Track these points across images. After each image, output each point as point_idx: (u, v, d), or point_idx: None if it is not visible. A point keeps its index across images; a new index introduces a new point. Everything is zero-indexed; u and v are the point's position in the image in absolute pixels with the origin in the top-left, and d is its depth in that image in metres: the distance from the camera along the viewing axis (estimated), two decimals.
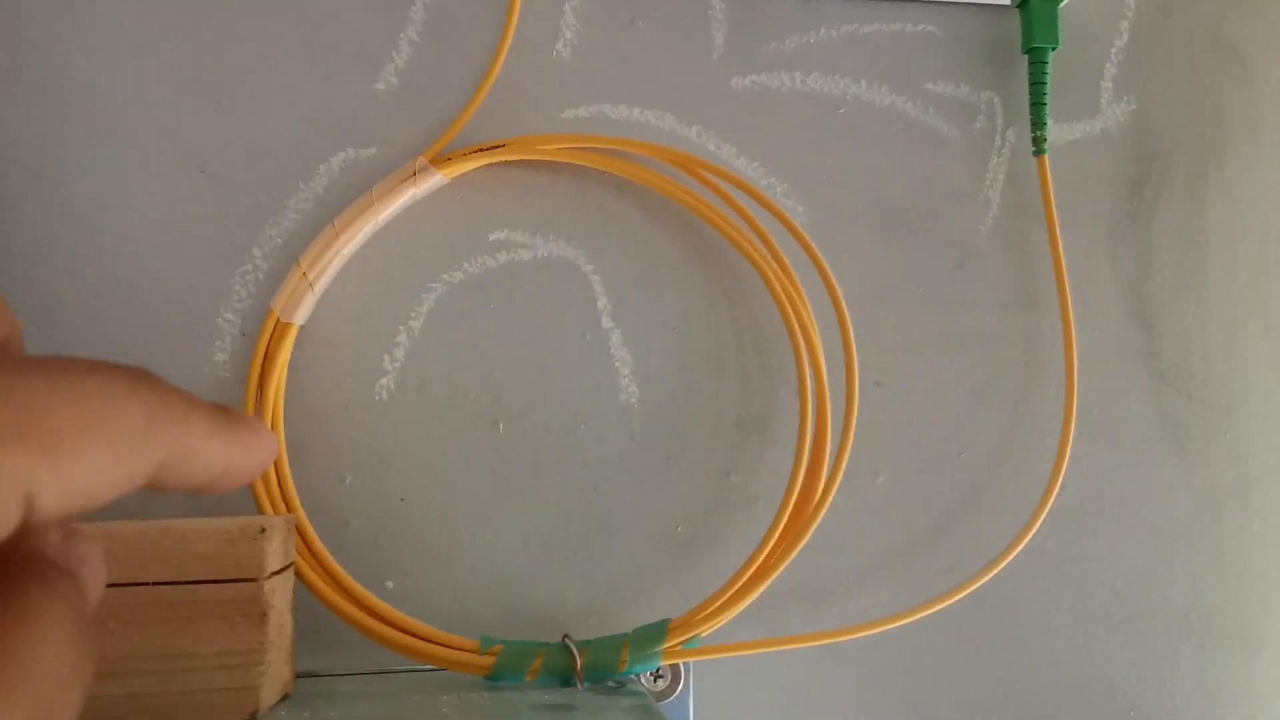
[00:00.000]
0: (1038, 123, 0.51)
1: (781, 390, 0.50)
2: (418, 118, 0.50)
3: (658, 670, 0.47)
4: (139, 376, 0.18)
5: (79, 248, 0.48)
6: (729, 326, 0.51)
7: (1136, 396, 0.52)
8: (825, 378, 0.47)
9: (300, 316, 0.47)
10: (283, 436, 0.47)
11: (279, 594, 0.39)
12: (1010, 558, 0.48)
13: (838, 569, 0.50)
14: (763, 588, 0.45)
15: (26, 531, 0.18)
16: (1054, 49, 0.51)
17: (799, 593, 0.50)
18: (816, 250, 0.49)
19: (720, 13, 0.52)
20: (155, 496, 0.46)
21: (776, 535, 0.45)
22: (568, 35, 0.51)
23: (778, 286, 0.48)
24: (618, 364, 0.50)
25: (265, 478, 0.46)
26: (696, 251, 0.51)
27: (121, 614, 0.36)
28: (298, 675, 0.44)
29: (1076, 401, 0.50)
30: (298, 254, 0.48)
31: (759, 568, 0.45)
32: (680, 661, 0.46)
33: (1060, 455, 0.49)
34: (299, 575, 0.44)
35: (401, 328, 0.49)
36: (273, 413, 0.47)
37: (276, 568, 0.39)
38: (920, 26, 0.53)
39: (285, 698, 0.41)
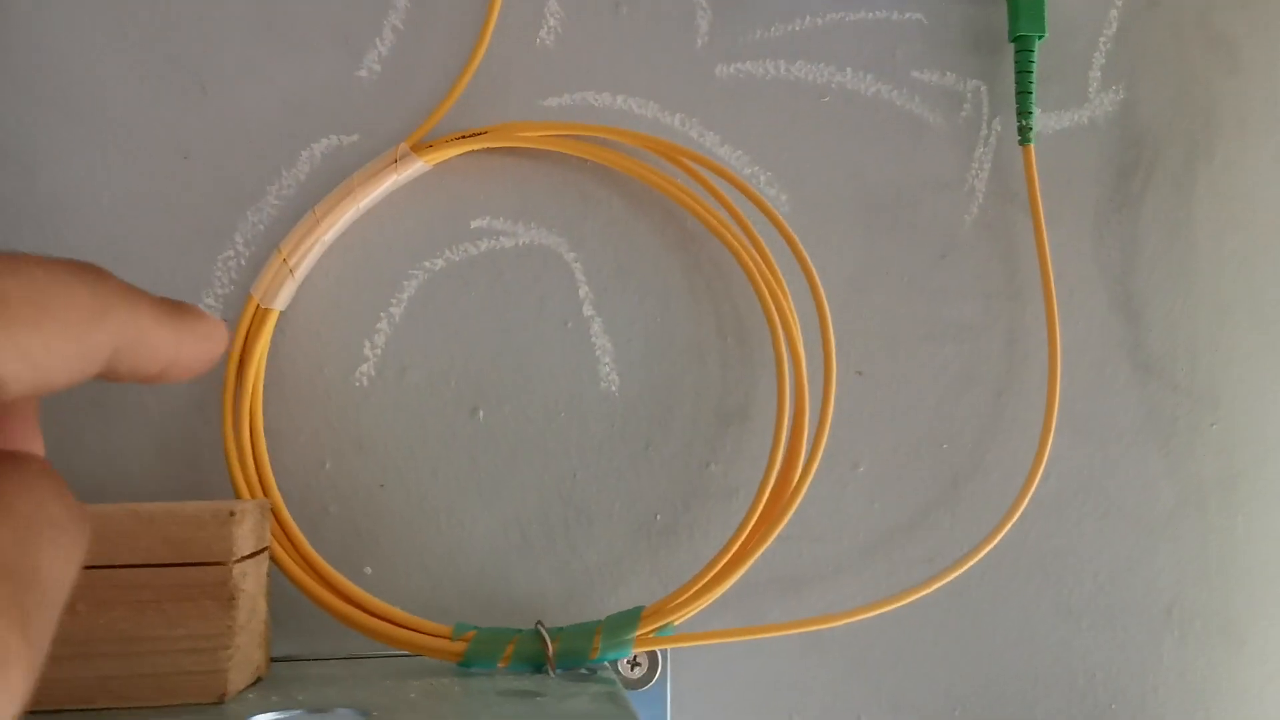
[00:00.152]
0: (1024, 112, 0.51)
1: (762, 380, 0.50)
2: (400, 105, 0.50)
3: (634, 659, 0.47)
4: (85, 267, 0.19)
5: (57, 231, 0.48)
6: (710, 316, 0.50)
7: (1121, 388, 0.52)
8: (804, 367, 0.47)
9: (280, 302, 0.48)
10: (262, 422, 0.47)
11: (250, 578, 0.39)
12: (988, 549, 0.47)
13: (817, 559, 0.50)
14: (737, 576, 0.45)
15: None
16: (1040, 38, 0.51)
17: (778, 582, 0.50)
18: (797, 240, 0.49)
19: (705, 0, 0.52)
20: (132, 468, 0.47)
21: (752, 523, 0.45)
22: (551, 23, 0.51)
23: (758, 276, 0.48)
24: (598, 352, 0.50)
25: (243, 462, 0.46)
26: (678, 240, 0.51)
27: (89, 596, 0.37)
28: (274, 660, 0.44)
29: (1059, 392, 0.49)
30: (280, 240, 0.48)
31: (734, 556, 0.45)
32: (656, 649, 0.46)
33: (1042, 446, 0.49)
34: (274, 560, 0.45)
35: (382, 314, 0.49)
36: (251, 398, 0.47)
37: (248, 552, 0.39)
38: (906, 14, 0.53)
39: (258, 681, 0.41)
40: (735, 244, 0.49)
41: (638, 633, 0.43)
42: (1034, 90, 0.51)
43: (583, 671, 0.43)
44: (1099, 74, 0.53)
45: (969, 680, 0.50)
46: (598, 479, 0.49)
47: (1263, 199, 0.53)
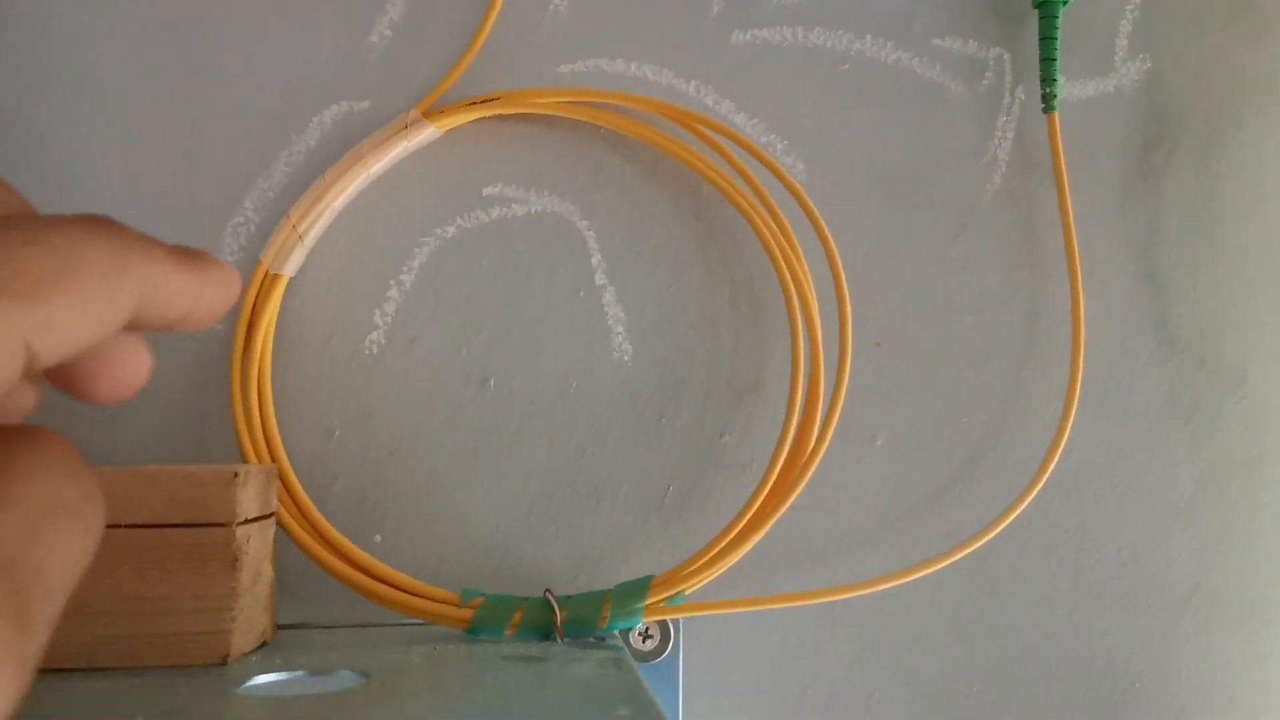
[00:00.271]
0: (1047, 79, 0.50)
1: (777, 351, 0.49)
2: (412, 71, 0.50)
3: (646, 631, 0.46)
4: (97, 222, 0.19)
5: (68, 197, 0.48)
6: (725, 285, 0.50)
7: (1144, 363, 0.51)
8: (819, 336, 0.46)
9: (289, 268, 0.47)
10: (270, 389, 0.47)
11: (255, 541, 0.39)
12: (1005, 524, 0.46)
13: (833, 532, 0.49)
14: (749, 545, 0.44)
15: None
16: (1065, 4, 0.50)
17: (793, 556, 0.49)
18: (814, 209, 0.48)
19: None
20: (139, 435, 0.46)
21: (765, 493, 0.45)
22: None
23: (774, 245, 0.47)
24: (611, 322, 0.49)
25: (251, 429, 0.46)
26: (692, 209, 0.50)
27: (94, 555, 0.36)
28: (281, 627, 0.44)
29: (1082, 367, 0.48)
30: (290, 208, 0.48)
31: (745, 525, 0.44)
32: (667, 619, 0.45)
33: (1063, 422, 0.48)
34: (282, 526, 0.44)
35: (392, 282, 0.49)
36: (260, 365, 0.46)
37: (252, 515, 0.39)
38: None
39: (263, 646, 0.40)
40: (751, 212, 0.48)
41: (647, 602, 0.43)
42: (1058, 57, 0.50)
43: (591, 640, 0.42)
44: (1125, 42, 0.52)
45: (986, 658, 0.49)
46: (609, 450, 0.49)
47: None
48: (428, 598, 0.43)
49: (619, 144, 0.50)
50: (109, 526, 0.36)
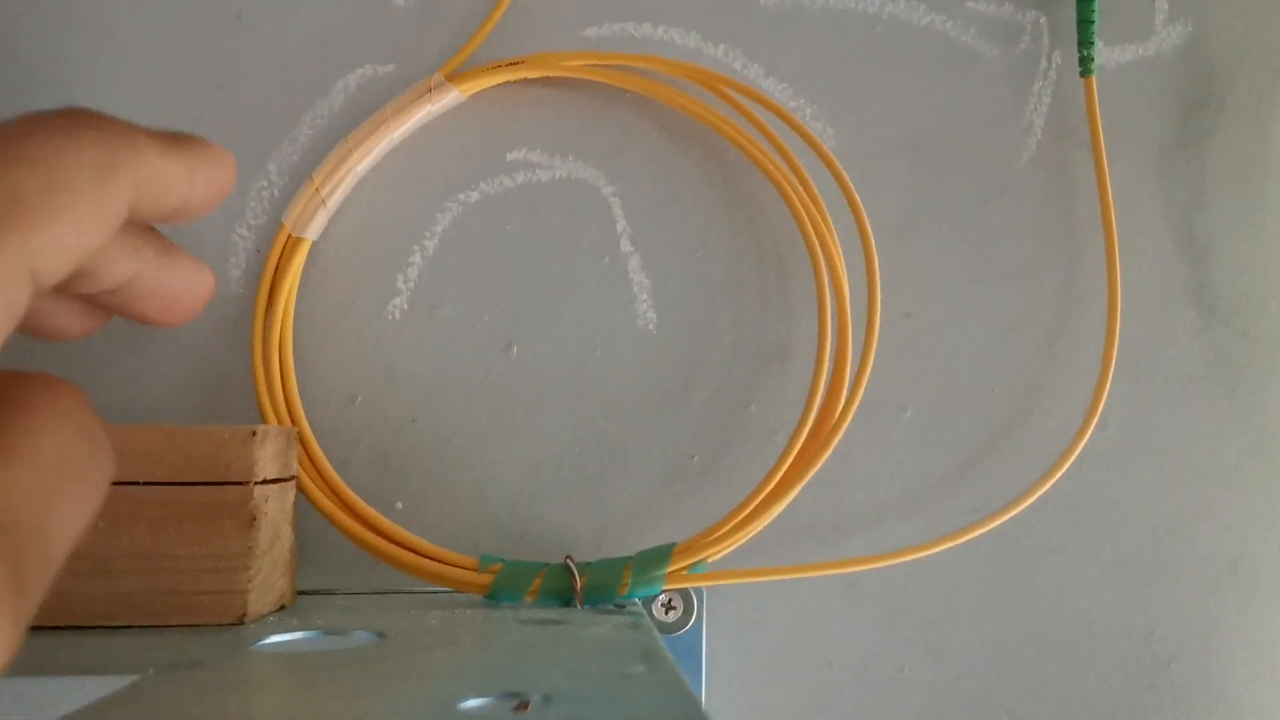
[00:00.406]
0: (1085, 42, 0.48)
1: (804, 319, 0.48)
2: (436, 34, 0.49)
3: (669, 601, 0.45)
4: (77, 120, 0.19)
5: None
6: (752, 252, 0.49)
7: (1184, 332, 0.49)
8: (848, 304, 0.45)
9: (312, 232, 0.47)
10: (292, 354, 0.47)
11: (273, 502, 0.39)
12: (1036, 496, 0.45)
13: (860, 504, 0.48)
14: (772, 514, 0.43)
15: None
16: None
17: (819, 528, 0.48)
18: (844, 174, 0.47)
19: None
20: (161, 397, 0.46)
21: (789, 462, 0.44)
22: None
23: (802, 212, 0.46)
24: (636, 289, 0.49)
25: (272, 393, 0.45)
26: (719, 174, 0.49)
27: (110, 512, 0.36)
28: (302, 593, 0.44)
29: (1119, 337, 0.47)
30: (313, 171, 0.47)
31: (769, 494, 0.43)
32: (689, 589, 0.45)
33: (1099, 393, 0.47)
34: (303, 491, 0.44)
35: (415, 247, 0.48)
36: (281, 329, 0.46)
37: (270, 476, 0.39)
38: None
39: (281, 609, 0.40)
40: (779, 178, 0.47)
41: (669, 569, 0.42)
42: (1096, 20, 0.48)
43: (611, 607, 0.41)
44: (1166, 5, 0.51)
45: (1018, 632, 0.48)
46: (633, 418, 0.48)
47: None
48: (448, 563, 0.43)
49: (645, 108, 0.49)
50: (128, 483, 0.37)
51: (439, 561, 0.43)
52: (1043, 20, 0.51)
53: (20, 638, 0.16)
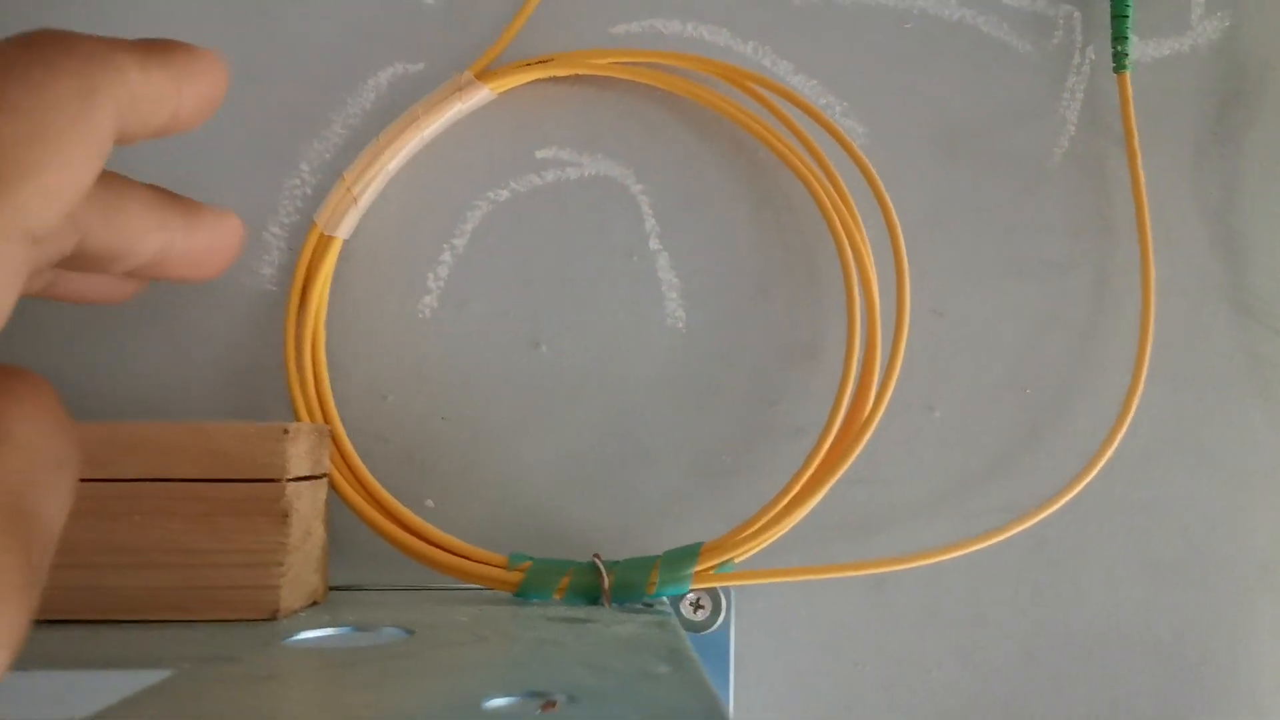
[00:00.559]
0: (1119, 36, 0.48)
1: (833, 317, 0.48)
2: (466, 32, 0.49)
3: (697, 600, 0.46)
4: (49, 46, 0.18)
5: (122, 158, 0.48)
6: (780, 250, 0.49)
7: (1219, 332, 0.49)
8: (876, 302, 0.45)
9: (344, 230, 0.47)
10: (324, 352, 0.47)
11: (305, 499, 0.39)
12: (1069, 497, 0.45)
13: (889, 504, 0.48)
14: (801, 514, 0.43)
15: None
16: None
17: (847, 528, 0.48)
18: (874, 172, 0.47)
19: None
20: (194, 394, 0.47)
21: (818, 461, 0.44)
22: None
23: (831, 209, 0.46)
24: (664, 287, 0.49)
25: (304, 391, 0.46)
26: (748, 171, 0.49)
27: (145, 507, 0.37)
28: (333, 588, 0.44)
29: (1152, 336, 0.47)
30: (345, 169, 0.48)
31: (798, 493, 0.43)
32: (716, 587, 0.45)
33: (1132, 393, 0.46)
34: (334, 488, 0.44)
35: (445, 245, 0.49)
36: (314, 326, 0.47)
37: (302, 473, 0.39)
38: None
39: (313, 605, 0.41)
40: (808, 175, 0.47)
41: (697, 568, 0.42)
42: (1130, 15, 0.48)
43: (639, 607, 0.42)
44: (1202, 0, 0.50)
45: (1047, 634, 0.48)
46: (660, 416, 0.48)
47: None
48: (477, 561, 0.43)
49: (674, 106, 0.49)
50: (162, 480, 0.37)
51: (468, 559, 0.43)
52: (1076, 15, 0.50)
53: (31, 621, 0.16)
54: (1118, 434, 0.46)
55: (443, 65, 0.49)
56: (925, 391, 0.48)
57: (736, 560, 0.43)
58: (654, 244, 0.49)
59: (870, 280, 0.46)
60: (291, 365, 0.46)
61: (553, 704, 0.25)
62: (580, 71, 0.48)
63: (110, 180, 0.21)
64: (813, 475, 0.44)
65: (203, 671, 0.28)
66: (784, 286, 0.49)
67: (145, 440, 0.37)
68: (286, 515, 0.37)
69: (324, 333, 0.47)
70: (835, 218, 0.46)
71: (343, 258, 0.48)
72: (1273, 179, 0.49)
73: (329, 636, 0.35)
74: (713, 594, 0.46)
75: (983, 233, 0.49)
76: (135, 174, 0.44)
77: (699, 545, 0.43)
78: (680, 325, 0.49)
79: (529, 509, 0.48)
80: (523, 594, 0.42)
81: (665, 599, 0.43)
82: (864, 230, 0.46)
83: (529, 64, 0.48)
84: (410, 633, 0.34)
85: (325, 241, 0.47)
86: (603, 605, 0.41)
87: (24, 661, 0.29)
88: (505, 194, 0.49)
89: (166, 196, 0.23)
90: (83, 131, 0.17)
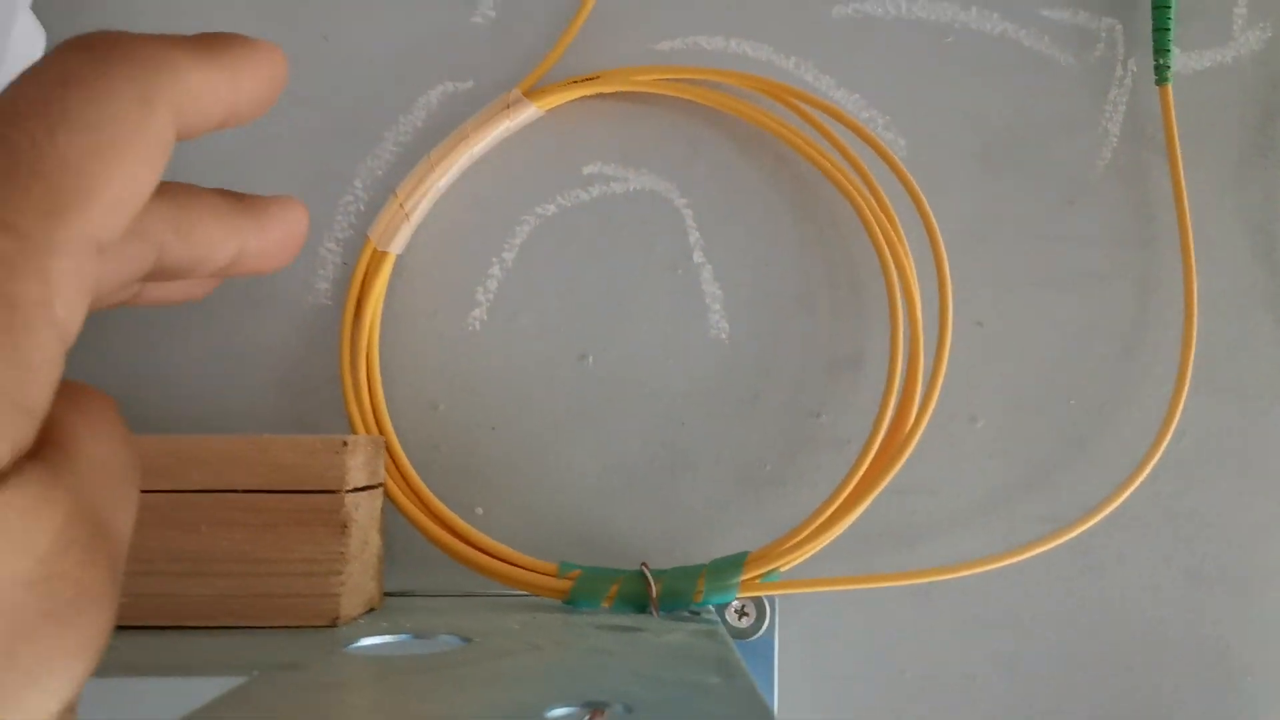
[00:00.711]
0: (1160, 49, 0.48)
1: (875, 329, 0.49)
2: (514, 51, 0.50)
3: (742, 608, 0.46)
4: (107, 52, 0.18)
5: (182, 173, 0.50)
6: (822, 262, 0.50)
7: (1262, 342, 0.49)
8: (919, 314, 0.46)
9: (396, 246, 0.49)
10: (378, 364, 0.49)
11: (363, 509, 0.40)
12: (1112, 507, 0.45)
13: (932, 514, 0.49)
14: (846, 524, 0.44)
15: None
16: None
17: (890, 537, 0.48)
18: (915, 185, 0.47)
19: None
20: (254, 405, 0.48)
21: (862, 472, 0.44)
22: None
23: (873, 222, 0.47)
24: (708, 299, 0.50)
25: (359, 402, 0.47)
26: (791, 185, 0.50)
27: (211, 517, 0.38)
28: (387, 594, 0.46)
29: (1194, 347, 0.47)
30: (397, 186, 0.49)
31: (842, 504, 0.44)
32: (762, 596, 0.46)
33: (1175, 403, 0.46)
34: (388, 496, 0.46)
35: (494, 259, 0.50)
36: (368, 340, 0.48)
37: (360, 484, 0.40)
38: None
39: (370, 611, 0.42)
40: (850, 188, 0.47)
41: (743, 578, 0.43)
42: (1172, 28, 0.48)
43: (685, 615, 0.43)
44: (1244, 10, 0.50)
45: (1090, 643, 0.48)
46: (705, 426, 0.49)
47: None
48: (527, 568, 0.44)
49: (717, 121, 0.50)
50: (226, 491, 0.38)
51: (519, 566, 0.44)
52: (1118, 27, 0.50)
53: (111, 631, 0.16)
54: (1161, 444, 0.46)
55: (491, 83, 0.50)
56: (968, 402, 0.49)
57: (782, 570, 0.44)
58: (698, 257, 0.50)
59: (912, 292, 0.46)
60: (347, 378, 0.47)
61: (601, 712, 0.26)
62: (625, 88, 0.49)
63: (179, 194, 0.22)
64: (857, 486, 0.44)
65: (273, 679, 0.30)
66: (826, 298, 0.49)
67: (211, 453, 0.39)
68: (346, 525, 0.39)
69: (378, 345, 0.49)
70: (877, 230, 0.47)
71: (395, 272, 0.49)
72: None
73: (388, 644, 0.36)
74: (757, 601, 0.47)
75: (1025, 244, 0.50)
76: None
77: (744, 554, 0.44)
78: (724, 337, 0.49)
79: (576, 517, 0.49)
80: (572, 601, 0.43)
81: (711, 607, 0.44)
82: (906, 242, 0.47)
83: (575, 81, 0.49)
84: (466, 640, 0.36)
85: (379, 257, 0.48)
86: (650, 613, 0.42)
87: (101, 667, 0.31)
88: (552, 209, 0.50)
89: (234, 200, 0.22)
90: (144, 139, 0.17)
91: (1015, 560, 0.45)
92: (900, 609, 0.48)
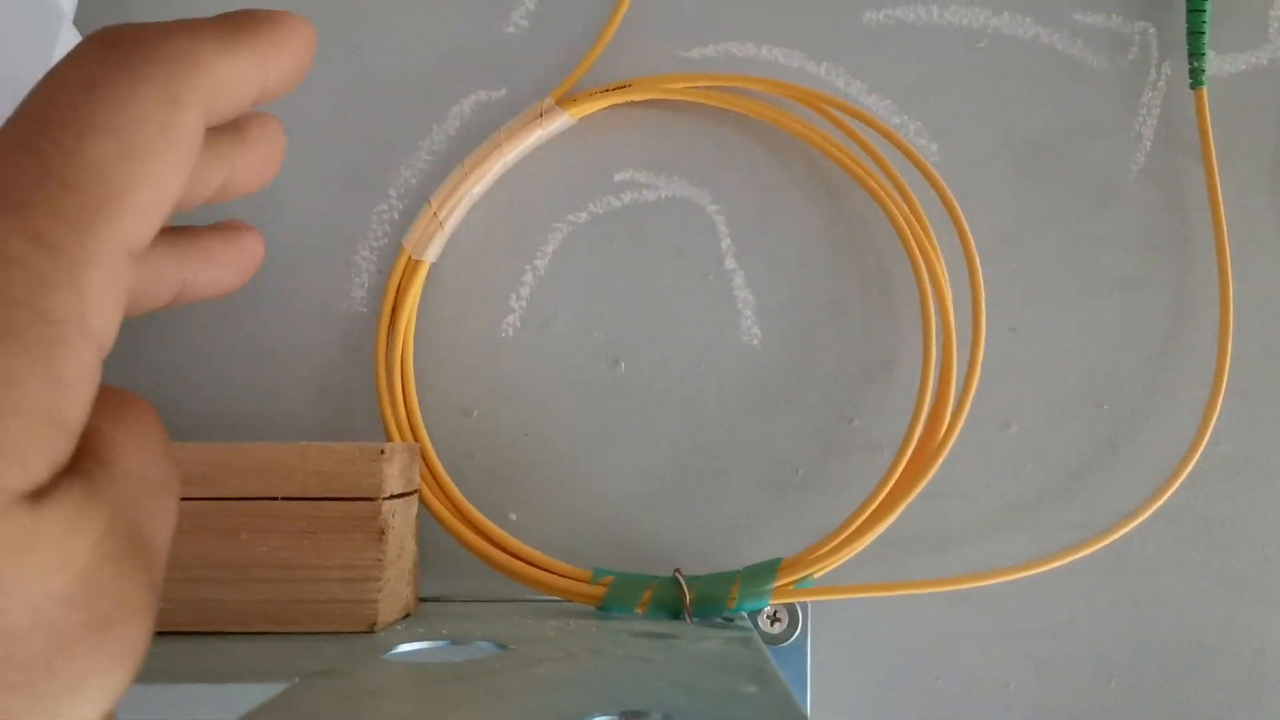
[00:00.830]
0: (1195, 53, 0.48)
1: (908, 334, 0.49)
2: (546, 59, 0.51)
3: (774, 613, 0.46)
4: (132, 51, 0.17)
5: None
6: (854, 268, 0.50)
7: None
8: (951, 320, 0.46)
9: (431, 254, 0.49)
10: (413, 371, 0.49)
11: (399, 516, 0.41)
12: (1147, 514, 0.45)
13: (966, 518, 0.48)
14: (879, 530, 0.44)
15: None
16: None
17: (923, 542, 0.48)
18: (947, 190, 0.47)
19: None
20: (292, 412, 0.49)
21: (895, 478, 0.44)
22: None
23: (905, 227, 0.47)
24: (740, 305, 0.50)
25: (394, 409, 0.48)
26: (822, 191, 0.50)
27: (251, 525, 0.39)
28: (422, 599, 0.46)
29: (1230, 352, 0.46)
30: (430, 194, 0.49)
31: (876, 510, 0.44)
32: (794, 602, 0.46)
33: (1210, 409, 0.46)
34: (423, 503, 0.46)
35: (527, 267, 0.50)
36: (403, 347, 0.48)
37: (397, 491, 0.41)
38: None
39: (406, 616, 0.42)
40: (882, 194, 0.47)
41: (776, 584, 0.43)
42: (1207, 31, 0.48)
43: (719, 621, 0.43)
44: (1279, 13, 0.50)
45: (1124, 650, 0.48)
46: (737, 432, 0.49)
47: None
48: (561, 575, 0.45)
49: (748, 127, 0.50)
50: (265, 498, 0.39)
51: (552, 572, 0.45)
52: (1151, 31, 0.50)
53: (150, 640, 0.16)
54: (1196, 449, 0.46)
55: (524, 92, 0.51)
56: (1001, 407, 0.49)
57: (815, 576, 0.44)
58: (729, 263, 0.50)
59: (945, 297, 0.46)
60: (382, 386, 0.48)
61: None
62: (656, 96, 0.50)
63: None
64: (890, 491, 0.44)
65: (313, 686, 0.30)
66: (858, 303, 0.49)
67: (251, 461, 0.39)
68: (383, 532, 0.39)
69: (412, 352, 0.49)
70: (910, 235, 0.47)
71: (429, 280, 0.50)
72: None
73: (426, 650, 0.37)
74: (790, 607, 0.47)
75: (1058, 249, 0.49)
76: (232, 202, 0.45)
77: (778, 561, 0.44)
78: (756, 342, 0.50)
79: (609, 523, 0.49)
80: (606, 608, 0.43)
81: (745, 613, 0.44)
82: (939, 248, 0.47)
83: (607, 90, 0.49)
84: (502, 647, 0.36)
85: (413, 265, 0.49)
86: (684, 620, 0.42)
87: (143, 674, 0.31)
88: (584, 216, 0.50)
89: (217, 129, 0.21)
90: (172, 140, 0.17)
91: (1050, 567, 0.45)
92: (934, 615, 0.48)
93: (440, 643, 0.37)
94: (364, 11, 0.51)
